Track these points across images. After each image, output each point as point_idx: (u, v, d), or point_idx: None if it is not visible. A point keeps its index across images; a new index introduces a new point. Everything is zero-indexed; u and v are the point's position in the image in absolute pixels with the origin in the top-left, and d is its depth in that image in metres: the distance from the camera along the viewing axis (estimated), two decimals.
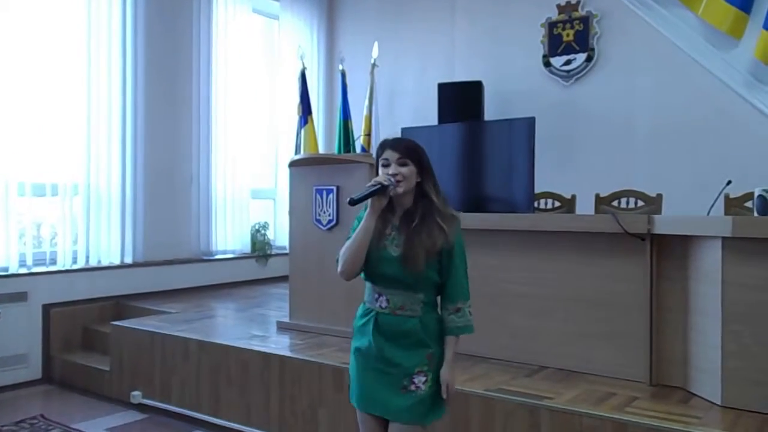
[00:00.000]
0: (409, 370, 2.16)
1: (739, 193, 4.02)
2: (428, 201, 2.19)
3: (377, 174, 2.22)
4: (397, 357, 2.18)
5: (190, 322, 4.66)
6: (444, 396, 2.19)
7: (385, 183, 2.13)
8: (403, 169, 2.16)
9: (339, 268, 2.24)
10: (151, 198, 5.76)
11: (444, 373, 2.19)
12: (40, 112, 5.12)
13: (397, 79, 6.99)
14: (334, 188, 4.22)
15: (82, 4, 5.24)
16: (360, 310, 2.31)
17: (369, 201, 2.15)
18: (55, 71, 5.19)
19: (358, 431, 2.22)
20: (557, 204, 4.73)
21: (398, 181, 2.15)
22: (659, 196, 4.38)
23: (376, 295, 2.23)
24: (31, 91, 5.04)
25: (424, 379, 2.17)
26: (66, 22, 5.21)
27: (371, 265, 2.21)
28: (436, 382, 2.18)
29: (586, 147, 5.89)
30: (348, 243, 2.22)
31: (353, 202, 2.13)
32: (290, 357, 3.73)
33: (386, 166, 2.19)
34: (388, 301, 2.20)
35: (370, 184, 2.14)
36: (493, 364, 3.56)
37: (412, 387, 2.16)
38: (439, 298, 2.26)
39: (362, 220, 2.19)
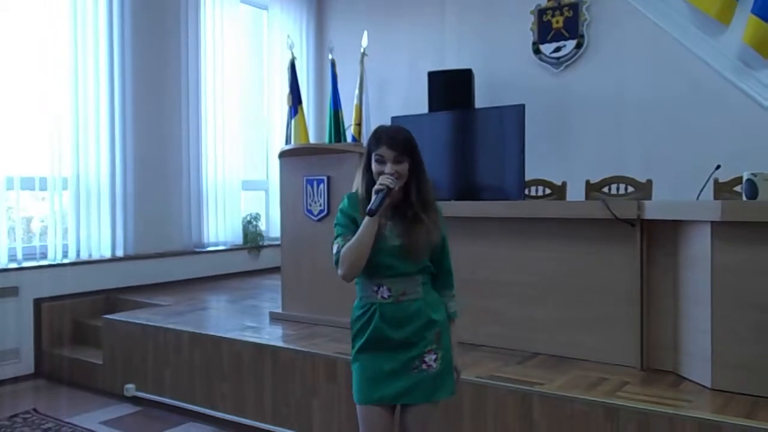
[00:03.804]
0: (419, 351, 2.18)
1: (728, 178, 4.03)
2: (419, 192, 2.20)
3: (367, 162, 2.20)
4: (406, 341, 2.18)
5: (182, 314, 4.65)
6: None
7: (391, 185, 2.12)
8: (399, 167, 2.15)
9: (341, 272, 2.16)
10: (141, 190, 5.73)
11: (455, 357, 2.29)
12: (28, 105, 5.08)
13: (387, 68, 6.97)
14: (325, 178, 4.21)
15: None
16: (357, 310, 2.25)
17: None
18: (42, 64, 5.14)
19: (351, 421, 2.22)
20: (548, 191, 4.74)
21: (396, 179, 2.15)
22: (649, 182, 4.40)
23: (375, 287, 2.20)
24: (18, 84, 4.99)
25: (434, 356, 2.20)
26: (52, 14, 5.15)
27: (372, 258, 2.16)
28: (446, 358, 2.23)
29: (576, 134, 5.90)
30: (350, 245, 2.13)
31: (373, 213, 2.10)
32: (283, 348, 3.73)
33: (381, 162, 2.16)
34: (389, 290, 2.19)
35: (376, 188, 2.12)
36: (485, 352, 3.57)
37: (424, 366, 2.19)
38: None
39: (363, 223, 2.13)
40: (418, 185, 2.21)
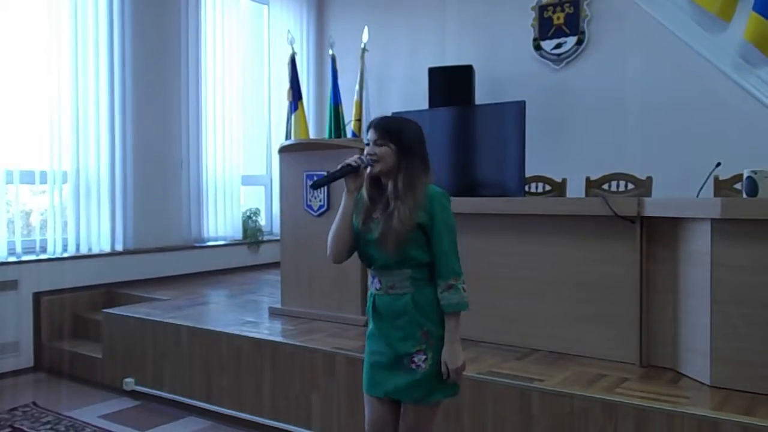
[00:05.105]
0: (408, 350, 2.15)
1: (729, 175, 4.03)
2: (401, 181, 2.14)
3: None
4: (394, 337, 2.17)
5: (181, 309, 4.65)
6: (444, 377, 2.15)
7: (354, 164, 2.14)
8: (378, 149, 2.15)
9: (327, 251, 2.26)
10: (141, 185, 5.73)
11: (444, 353, 2.14)
12: (27, 99, 5.07)
13: (387, 64, 6.96)
14: (325, 174, 4.19)
15: None
16: (368, 298, 2.33)
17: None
18: (42, 58, 5.13)
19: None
20: (548, 188, 4.74)
21: (374, 161, 2.15)
22: (649, 179, 4.40)
23: (371, 278, 2.26)
24: (17, 77, 4.99)
25: (423, 357, 2.14)
26: (52, 8, 5.13)
27: (360, 248, 2.24)
28: (437, 360, 2.15)
29: (577, 130, 5.90)
30: (332, 226, 2.24)
31: (316, 185, 2.15)
32: (282, 342, 3.74)
33: (368, 146, 2.20)
34: (380, 281, 2.22)
35: (339, 165, 2.15)
36: (484, 348, 3.58)
37: (413, 366, 2.14)
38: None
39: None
40: (401, 174, 2.14)
